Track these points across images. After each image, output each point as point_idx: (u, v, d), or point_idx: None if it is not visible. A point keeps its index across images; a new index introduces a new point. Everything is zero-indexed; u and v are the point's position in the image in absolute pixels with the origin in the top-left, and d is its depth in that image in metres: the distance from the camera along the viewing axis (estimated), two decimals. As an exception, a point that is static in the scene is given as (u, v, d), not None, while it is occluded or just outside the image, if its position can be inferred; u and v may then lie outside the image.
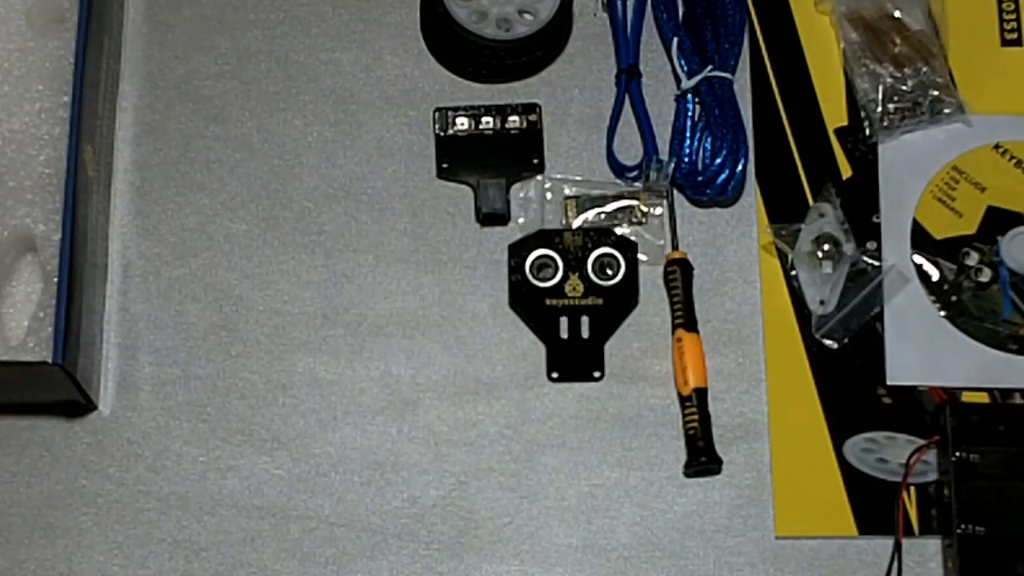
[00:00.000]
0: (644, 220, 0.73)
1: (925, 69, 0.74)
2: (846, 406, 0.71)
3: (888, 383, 0.71)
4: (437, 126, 0.74)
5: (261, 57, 0.75)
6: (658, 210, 0.73)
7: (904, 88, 0.74)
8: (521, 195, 0.73)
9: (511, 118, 0.74)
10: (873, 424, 0.70)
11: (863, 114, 0.74)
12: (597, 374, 0.71)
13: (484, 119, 0.74)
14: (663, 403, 0.71)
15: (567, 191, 0.73)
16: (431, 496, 0.69)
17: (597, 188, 0.73)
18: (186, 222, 0.73)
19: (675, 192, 0.73)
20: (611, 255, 0.72)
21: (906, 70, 0.74)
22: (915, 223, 0.73)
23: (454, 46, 0.73)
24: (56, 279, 0.64)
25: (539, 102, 0.74)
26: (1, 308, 0.64)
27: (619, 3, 0.75)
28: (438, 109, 0.74)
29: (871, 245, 0.73)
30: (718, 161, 0.72)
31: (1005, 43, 0.76)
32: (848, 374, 0.71)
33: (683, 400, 0.70)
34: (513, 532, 0.69)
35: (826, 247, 0.71)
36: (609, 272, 0.72)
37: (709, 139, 0.72)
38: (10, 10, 0.67)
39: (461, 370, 0.71)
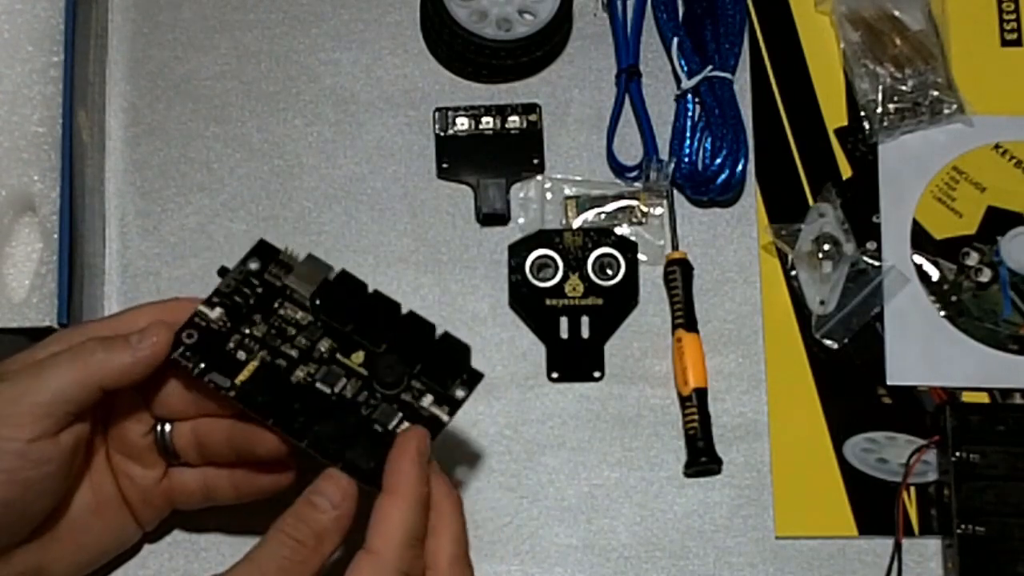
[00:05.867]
0: (644, 220, 0.73)
1: (925, 69, 0.74)
2: (846, 406, 0.71)
3: (888, 383, 0.71)
4: (437, 126, 0.74)
5: (261, 57, 0.75)
6: (658, 210, 0.73)
7: (904, 88, 0.74)
8: (521, 195, 0.73)
9: (511, 118, 0.74)
10: (873, 424, 0.70)
11: (863, 114, 0.74)
12: (597, 374, 0.71)
13: (484, 119, 0.74)
14: (663, 403, 0.71)
15: (567, 191, 0.73)
16: (431, 496, 0.69)
17: (597, 188, 0.73)
18: (186, 222, 0.73)
19: (675, 192, 0.73)
20: (611, 255, 0.72)
21: (906, 70, 0.74)
22: (915, 223, 0.73)
23: (454, 46, 0.73)
24: (56, 235, 0.64)
25: (539, 102, 0.74)
26: (2, 268, 0.65)
27: (619, 3, 0.75)
28: (438, 109, 0.74)
29: (871, 245, 0.73)
30: (718, 161, 0.72)
31: (1005, 43, 0.76)
32: (848, 374, 0.71)
33: (683, 400, 0.70)
34: (513, 532, 0.69)
35: (826, 247, 0.71)
36: (609, 272, 0.72)
37: (709, 139, 0.72)
38: (-3, -28, 0.68)
39: (461, 370, 0.71)
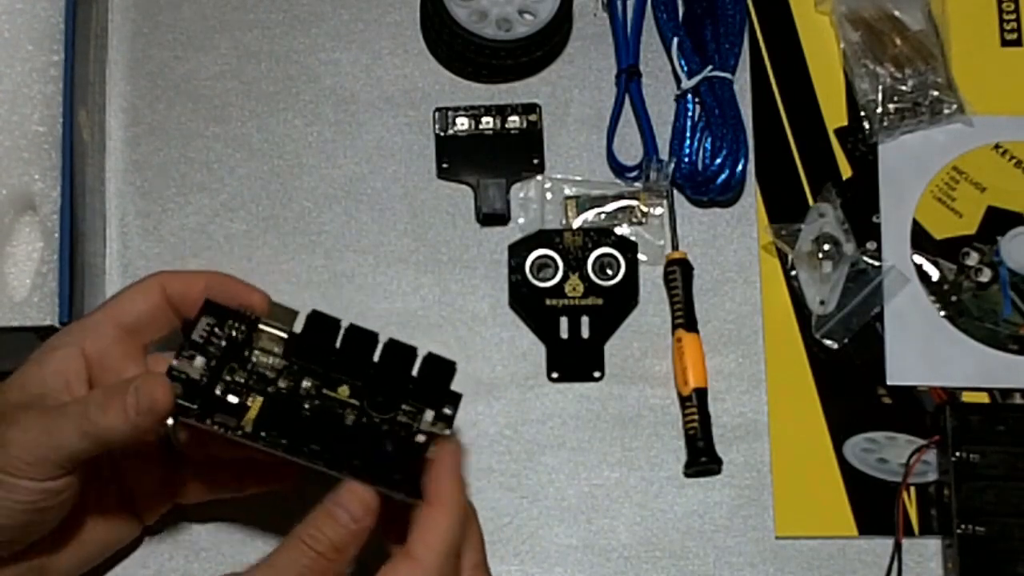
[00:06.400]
0: (644, 220, 0.73)
1: (925, 69, 0.74)
2: (846, 406, 0.71)
3: (888, 383, 0.71)
4: (437, 126, 0.74)
5: (261, 57, 0.75)
6: (658, 210, 0.73)
7: (904, 88, 0.74)
8: (521, 195, 0.73)
9: (511, 118, 0.74)
10: (873, 424, 0.70)
11: (863, 114, 0.74)
12: (597, 374, 0.71)
13: (484, 119, 0.74)
14: (663, 403, 0.71)
15: (567, 191, 0.73)
16: (431, 496, 0.69)
17: (597, 188, 0.73)
18: (186, 222, 0.73)
19: (675, 192, 0.73)
20: (611, 255, 0.72)
21: (906, 70, 0.74)
22: (915, 223, 0.73)
23: (454, 46, 0.73)
24: (57, 234, 0.64)
25: (539, 102, 0.74)
26: (3, 267, 0.65)
27: (619, 3, 0.75)
28: (438, 109, 0.74)
29: (871, 245, 0.73)
30: (718, 161, 0.72)
31: (1005, 43, 0.76)
32: (848, 374, 0.71)
33: (683, 400, 0.70)
34: (513, 532, 0.69)
35: (826, 247, 0.71)
36: (609, 272, 0.72)
37: (709, 139, 0.72)
38: (-4, -28, 0.68)
39: (461, 370, 0.70)
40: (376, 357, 0.58)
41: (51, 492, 0.54)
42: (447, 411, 0.58)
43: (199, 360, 0.56)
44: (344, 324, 0.58)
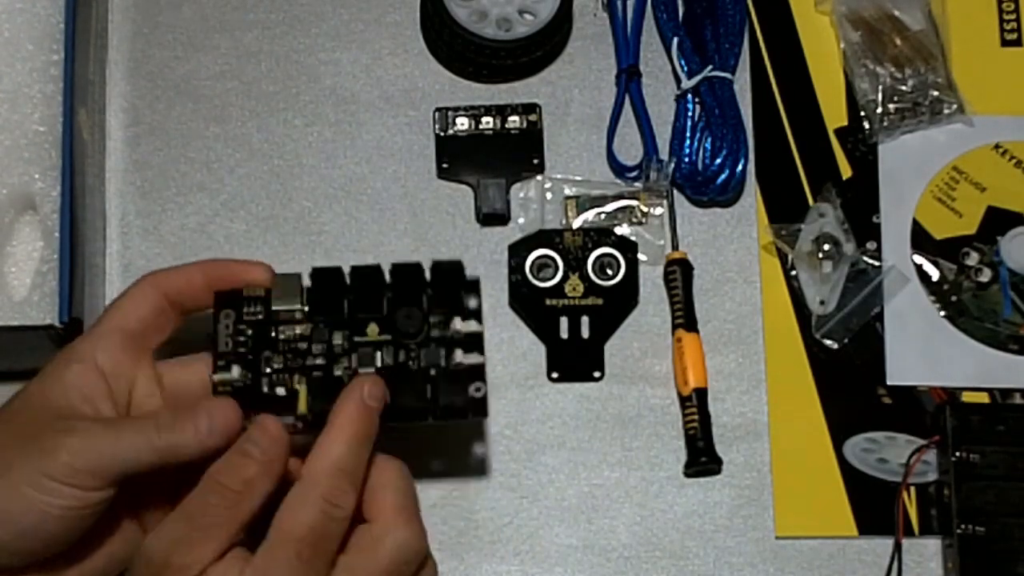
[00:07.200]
0: (644, 220, 0.73)
1: (925, 69, 0.74)
2: (846, 406, 0.71)
3: (888, 383, 0.71)
4: (437, 126, 0.74)
5: (261, 57, 0.75)
6: (658, 210, 0.73)
7: (904, 88, 0.74)
8: (521, 195, 0.73)
9: (511, 118, 0.74)
10: (873, 424, 0.70)
11: (863, 114, 0.74)
12: (597, 374, 0.71)
13: (484, 119, 0.74)
14: (663, 403, 0.71)
15: (567, 191, 0.73)
16: (431, 496, 0.69)
17: (597, 188, 0.73)
18: (186, 222, 0.73)
19: (675, 192, 0.73)
20: (611, 255, 0.72)
21: (906, 70, 0.74)
22: (915, 223, 0.73)
23: (454, 46, 0.73)
24: (57, 234, 0.64)
25: (539, 102, 0.74)
26: (3, 267, 0.65)
27: (619, 3, 0.75)
28: (438, 109, 0.74)
29: (871, 245, 0.73)
30: (718, 161, 0.72)
31: (1005, 43, 0.76)
32: (848, 374, 0.71)
33: (683, 400, 0.70)
34: (513, 532, 0.69)
35: (826, 247, 0.71)
36: (609, 272, 0.72)
37: (709, 139, 0.72)
38: (-3, -28, 0.68)
39: (461, 370, 0.71)
40: (387, 284, 0.59)
41: (91, 503, 0.54)
42: (471, 304, 0.59)
43: (236, 369, 0.57)
44: (346, 269, 0.59)
